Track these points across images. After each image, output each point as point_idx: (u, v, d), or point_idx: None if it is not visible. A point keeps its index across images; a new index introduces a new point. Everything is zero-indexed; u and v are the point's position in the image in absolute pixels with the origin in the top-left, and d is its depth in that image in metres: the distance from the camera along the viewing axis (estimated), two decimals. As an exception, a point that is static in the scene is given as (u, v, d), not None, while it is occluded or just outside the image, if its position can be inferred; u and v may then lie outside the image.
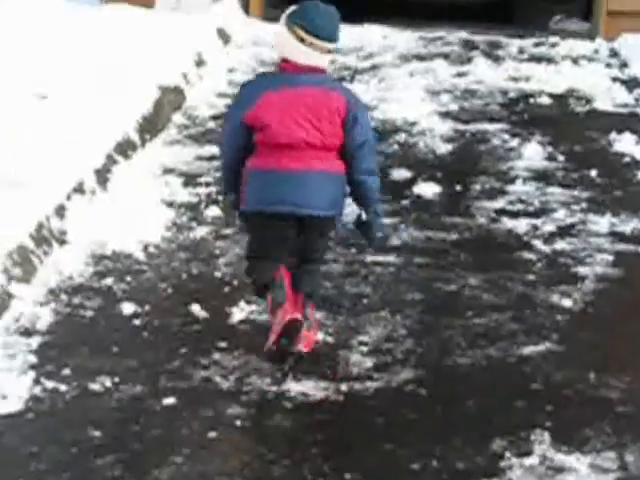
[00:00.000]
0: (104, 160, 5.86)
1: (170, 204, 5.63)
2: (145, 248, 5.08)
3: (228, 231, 5.33)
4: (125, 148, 6.24)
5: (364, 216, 4.20)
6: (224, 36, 9.49)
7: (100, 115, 6.34)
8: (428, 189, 6.11)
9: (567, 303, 4.75)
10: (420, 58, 9.25)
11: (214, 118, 7.26)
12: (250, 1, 10.61)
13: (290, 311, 4.01)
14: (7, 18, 8.33)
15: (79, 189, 5.40)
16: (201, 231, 5.36)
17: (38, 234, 4.82)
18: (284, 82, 4.07)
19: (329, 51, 4.07)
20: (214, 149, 6.34)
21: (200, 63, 8.43)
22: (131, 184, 5.82)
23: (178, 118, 7.29)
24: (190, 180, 6.04)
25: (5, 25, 8.10)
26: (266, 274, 4.12)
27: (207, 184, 5.98)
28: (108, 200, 5.54)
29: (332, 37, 4.05)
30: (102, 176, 5.72)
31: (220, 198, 5.62)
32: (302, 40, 4.00)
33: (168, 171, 6.18)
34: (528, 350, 4.31)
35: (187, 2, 10.02)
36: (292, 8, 4.09)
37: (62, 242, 4.99)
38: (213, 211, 5.58)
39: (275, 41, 4.25)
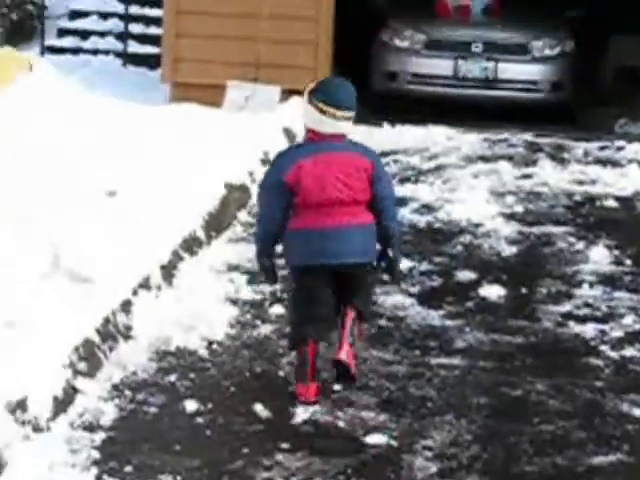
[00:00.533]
0: (170, 256, 5.91)
1: (234, 301, 5.65)
2: (209, 345, 5.09)
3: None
4: (191, 244, 6.30)
5: (390, 253, 4.74)
6: (290, 135, 9.61)
7: (167, 211, 6.42)
8: (493, 291, 6.07)
9: (637, 412, 4.64)
10: (485, 159, 9.29)
11: (279, 216, 7.30)
12: (316, 102, 10.77)
13: (307, 396, 4.54)
14: (75, 116, 8.54)
15: (145, 285, 5.44)
16: (265, 329, 5.36)
17: (104, 329, 4.85)
18: (314, 150, 4.66)
19: (347, 118, 4.65)
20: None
21: (266, 162, 8.50)
22: (196, 280, 5.85)
23: (243, 216, 7.37)
24: (254, 278, 6.05)
25: (74, 123, 8.29)
26: (302, 337, 4.60)
27: (271, 282, 5.98)
28: (173, 296, 5.57)
29: (349, 106, 4.65)
30: (168, 272, 5.76)
31: (285, 296, 5.64)
32: (323, 112, 4.58)
33: (233, 268, 6.21)
34: (598, 460, 4.20)
35: (254, 102, 10.21)
36: (312, 85, 4.73)
37: (127, 337, 5.02)
38: (277, 309, 5.58)
39: (302, 115, 4.81)
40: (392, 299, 5.81)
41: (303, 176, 4.55)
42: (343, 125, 4.63)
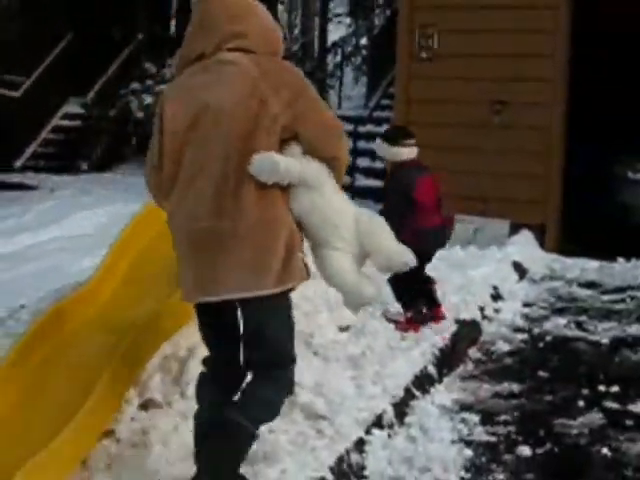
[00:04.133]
0: (403, 394, 5.83)
1: (468, 443, 5.47)
2: (439, 489, 4.93)
3: (529, 475, 5.08)
4: (423, 382, 6.20)
5: None
6: (520, 270, 9.47)
7: (399, 347, 6.40)
8: None
9: None
10: None
11: (510, 354, 7.14)
12: (546, 236, 10.61)
13: None
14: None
15: (378, 423, 5.37)
16: (499, 474, 5.14)
17: (338, 467, 4.79)
18: None
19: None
20: (513, 386, 6.23)
21: (496, 297, 8.40)
22: (428, 420, 5.73)
23: (474, 353, 7.21)
24: (487, 418, 5.86)
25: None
26: None
27: (505, 423, 5.78)
28: (406, 435, 5.47)
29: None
30: (400, 410, 5.68)
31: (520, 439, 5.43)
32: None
33: (465, 408, 6.05)
34: None
35: (482, 236, 10.15)
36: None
37: (360, 477, 4.94)
38: (512, 455, 5.35)
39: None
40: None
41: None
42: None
